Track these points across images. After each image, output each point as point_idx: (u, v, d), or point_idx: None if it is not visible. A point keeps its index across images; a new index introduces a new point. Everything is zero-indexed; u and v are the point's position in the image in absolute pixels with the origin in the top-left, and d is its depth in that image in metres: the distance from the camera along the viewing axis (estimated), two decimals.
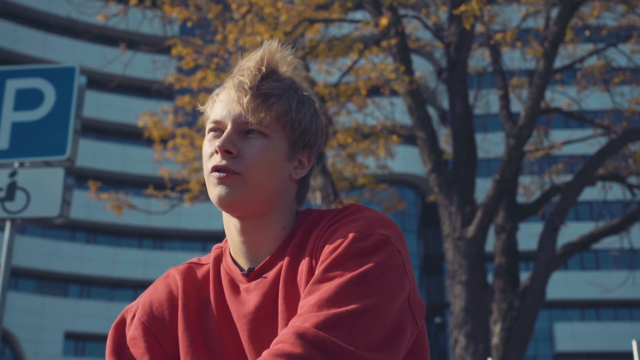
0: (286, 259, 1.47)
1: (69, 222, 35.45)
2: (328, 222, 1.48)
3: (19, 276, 35.88)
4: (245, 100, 1.44)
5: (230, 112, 1.46)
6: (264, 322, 1.46)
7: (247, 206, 1.45)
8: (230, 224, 1.52)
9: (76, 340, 36.42)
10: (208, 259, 1.62)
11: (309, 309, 1.30)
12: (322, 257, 1.39)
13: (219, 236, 39.31)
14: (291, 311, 1.43)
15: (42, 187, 4.70)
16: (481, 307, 9.82)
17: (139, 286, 37.48)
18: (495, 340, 10.08)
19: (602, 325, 38.94)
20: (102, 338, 36.05)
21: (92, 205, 31.24)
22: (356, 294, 1.31)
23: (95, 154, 37.63)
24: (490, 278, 10.84)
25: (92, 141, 37.96)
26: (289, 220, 1.52)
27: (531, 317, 10.03)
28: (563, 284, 37.50)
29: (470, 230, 9.94)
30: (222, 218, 1.54)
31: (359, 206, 1.49)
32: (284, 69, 1.52)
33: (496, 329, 10.15)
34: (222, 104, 1.49)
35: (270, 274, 1.48)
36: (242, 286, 1.51)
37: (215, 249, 1.62)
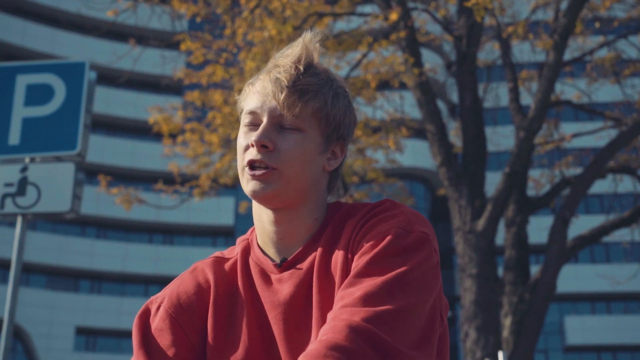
0: (319, 250, 1.48)
1: (79, 217, 35.56)
2: (365, 215, 1.48)
3: (30, 272, 36.04)
4: (282, 96, 1.45)
5: (267, 105, 1.47)
6: (299, 312, 1.47)
7: (282, 199, 1.47)
8: (262, 215, 1.52)
9: (87, 335, 36.58)
10: (231, 252, 1.63)
11: (354, 302, 1.30)
12: (362, 250, 1.40)
13: (229, 231, 39.38)
14: (325, 302, 1.44)
15: (53, 182, 4.72)
16: (491, 300, 9.80)
17: (150, 281, 37.60)
18: (505, 333, 10.07)
19: (613, 318, 38.83)
20: (113, 333, 36.21)
21: (102, 201, 31.33)
22: (401, 292, 1.32)
23: (105, 150, 37.72)
24: (500, 271, 10.82)
25: (102, 137, 38.07)
26: (320, 211, 1.53)
27: (541, 310, 10.01)
28: (573, 277, 37.41)
29: (480, 223, 9.93)
30: (252, 207, 1.55)
31: (394, 202, 1.50)
32: (318, 60, 1.52)
33: (507, 322, 10.14)
34: (258, 96, 1.49)
35: (304, 265, 1.49)
36: (274, 276, 1.52)
37: (240, 241, 1.62)
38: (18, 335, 34.66)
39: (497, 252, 10.53)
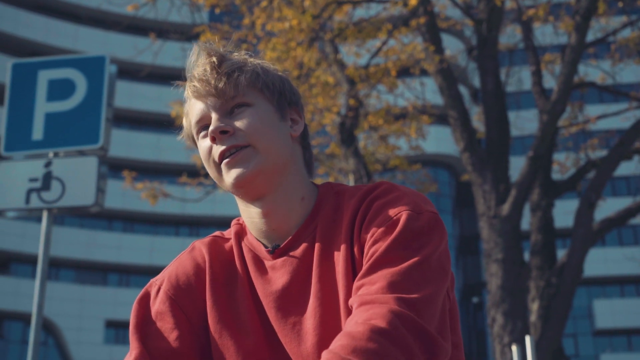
0: (318, 237, 1.46)
1: (106, 211, 35.90)
2: (365, 198, 1.46)
3: (59, 266, 36.42)
4: (213, 88, 1.45)
5: (206, 105, 1.47)
6: (292, 300, 1.46)
7: (265, 176, 1.44)
8: (251, 212, 1.50)
9: (116, 328, 36.92)
10: (230, 233, 1.61)
11: (383, 289, 1.30)
12: (375, 237, 1.38)
13: None
14: (326, 290, 1.42)
15: (77, 176, 4.76)
16: (518, 285, 9.75)
17: None
18: (533, 318, 10.02)
19: None
20: None
21: (128, 195, 31.54)
22: (426, 279, 1.33)
23: (129, 144, 37.96)
24: (526, 256, 10.76)
25: (126, 131, 38.30)
26: (305, 190, 1.51)
27: (569, 293, 9.95)
28: (601, 260, 37.10)
29: (505, 208, 9.87)
30: (239, 208, 1.53)
31: (391, 183, 1.49)
32: (234, 55, 1.51)
33: (534, 306, 10.09)
34: (196, 105, 1.49)
35: (298, 252, 1.47)
36: (268, 263, 1.50)
37: (234, 224, 1.60)
38: (49, 330, 35.07)
39: (523, 237, 10.47)
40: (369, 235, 1.39)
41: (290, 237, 1.48)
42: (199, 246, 1.59)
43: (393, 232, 1.36)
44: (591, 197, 10.29)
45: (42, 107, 4.96)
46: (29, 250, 34.06)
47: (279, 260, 1.48)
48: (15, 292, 34.17)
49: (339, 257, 1.42)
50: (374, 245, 1.37)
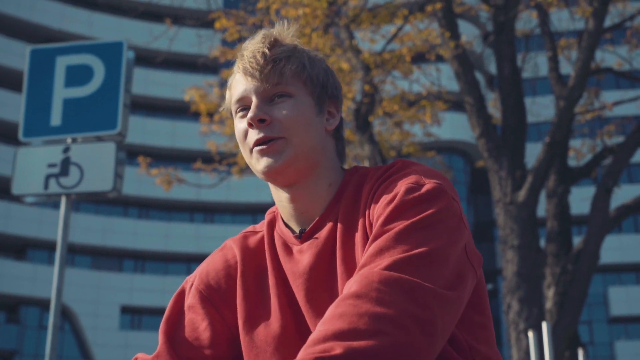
0: (340, 218, 1.49)
1: (121, 198, 36.07)
2: (378, 179, 1.49)
3: (75, 252, 36.66)
4: (258, 72, 1.48)
5: (249, 86, 1.50)
6: (320, 282, 1.48)
7: (295, 167, 1.47)
8: (280, 196, 1.55)
9: (132, 314, 37.16)
10: (262, 226, 1.66)
11: (370, 259, 1.30)
12: (377, 213, 1.40)
13: (269, 208, 39.52)
14: (350, 271, 1.44)
15: (95, 161, 4.78)
16: (534, 271, 9.74)
17: (192, 260, 38.00)
18: (548, 304, 10.01)
19: None
20: (158, 311, 36.73)
21: (144, 181, 31.65)
22: (417, 238, 1.31)
23: (145, 130, 38.06)
24: (542, 243, 10.73)
25: (141, 118, 38.39)
26: (334, 177, 1.54)
27: (585, 280, 9.93)
28: (617, 248, 36.92)
29: (521, 194, 9.84)
30: (271, 191, 1.57)
31: (406, 161, 1.51)
32: (287, 40, 1.54)
33: (550, 293, 10.07)
34: (240, 83, 1.52)
35: (322, 234, 1.50)
36: (295, 248, 1.54)
37: (268, 214, 1.65)
38: (66, 315, 35.34)
39: (539, 224, 10.44)
40: (375, 214, 1.41)
41: (315, 221, 1.51)
42: (230, 244, 1.65)
43: (390, 206, 1.37)
44: (608, 184, 10.25)
45: (60, 93, 4.98)
46: (46, 236, 34.31)
47: (305, 244, 1.52)
48: (32, 278, 34.44)
49: (358, 238, 1.45)
50: (377, 221, 1.38)
